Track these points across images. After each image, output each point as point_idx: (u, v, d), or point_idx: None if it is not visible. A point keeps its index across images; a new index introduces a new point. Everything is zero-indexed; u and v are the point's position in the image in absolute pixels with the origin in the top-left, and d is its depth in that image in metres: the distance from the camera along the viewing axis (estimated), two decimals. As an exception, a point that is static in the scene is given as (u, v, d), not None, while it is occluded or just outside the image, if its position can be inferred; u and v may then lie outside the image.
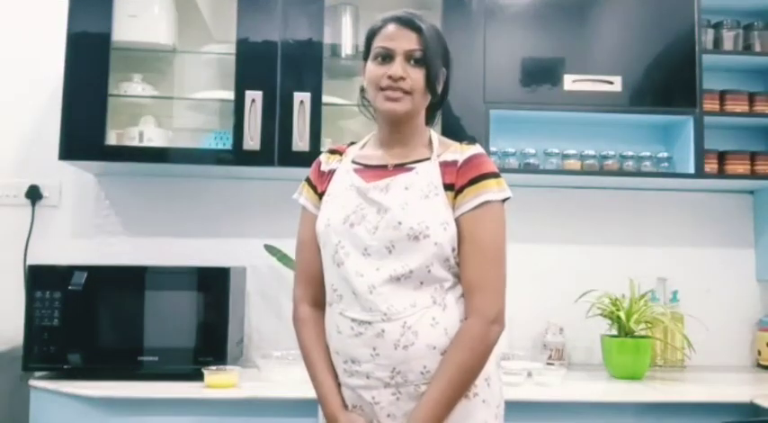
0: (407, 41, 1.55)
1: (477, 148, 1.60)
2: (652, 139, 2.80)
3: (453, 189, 1.55)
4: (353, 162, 1.65)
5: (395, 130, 1.62)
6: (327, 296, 1.60)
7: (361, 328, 1.51)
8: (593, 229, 2.86)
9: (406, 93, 1.55)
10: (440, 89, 1.62)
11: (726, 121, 2.72)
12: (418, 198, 1.53)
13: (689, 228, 2.89)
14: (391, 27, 1.57)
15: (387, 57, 1.56)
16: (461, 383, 1.49)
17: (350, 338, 1.53)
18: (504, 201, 1.56)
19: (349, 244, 1.54)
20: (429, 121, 1.68)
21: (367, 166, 1.63)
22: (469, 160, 1.56)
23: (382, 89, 1.56)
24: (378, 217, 1.53)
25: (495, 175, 1.56)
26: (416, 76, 1.55)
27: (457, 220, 1.54)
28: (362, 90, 1.68)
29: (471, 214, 1.52)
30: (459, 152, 1.58)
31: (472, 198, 1.53)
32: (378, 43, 1.58)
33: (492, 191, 1.54)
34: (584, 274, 2.71)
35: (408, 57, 1.55)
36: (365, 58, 1.63)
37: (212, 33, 2.73)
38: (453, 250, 1.53)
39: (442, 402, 1.48)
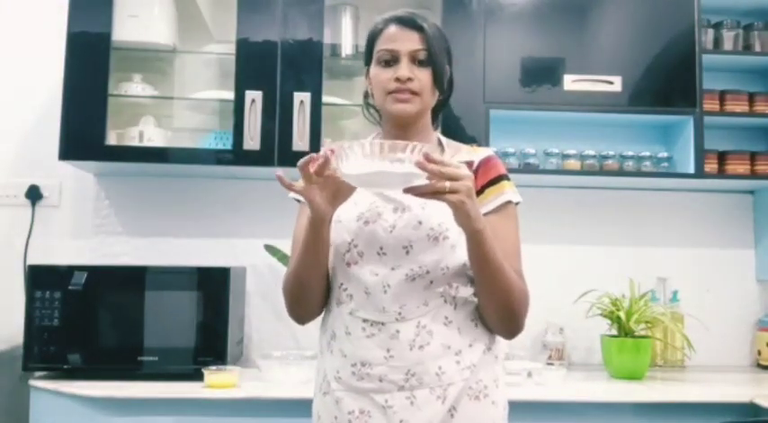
0: (411, 42, 1.53)
1: (489, 150, 1.61)
2: (652, 139, 2.80)
3: None
4: None
5: (403, 132, 1.57)
6: (334, 295, 1.56)
7: (374, 328, 1.48)
8: (594, 229, 2.86)
9: (415, 94, 1.53)
10: (446, 88, 1.61)
11: (726, 121, 2.72)
12: None
13: (689, 228, 2.89)
14: (393, 28, 1.55)
15: (391, 59, 1.53)
16: (505, 273, 1.44)
17: (361, 340, 1.49)
18: (516, 204, 1.57)
19: (363, 243, 1.50)
20: (433, 122, 1.66)
21: None
22: (486, 161, 1.57)
23: (390, 92, 1.53)
24: (395, 215, 1.50)
25: (508, 178, 1.57)
26: (423, 77, 1.53)
27: None
28: (366, 95, 1.65)
29: (495, 214, 1.52)
30: (473, 153, 1.59)
31: (494, 198, 1.53)
32: (381, 46, 1.55)
33: (509, 193, 1.55)
34: (584, 274, 2.71)
35: (413, 57, 1.53)
36: (367, 62, 1.60)
37: (212, 33, 2.73)
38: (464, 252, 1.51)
39: (496, 253, 1.42)
